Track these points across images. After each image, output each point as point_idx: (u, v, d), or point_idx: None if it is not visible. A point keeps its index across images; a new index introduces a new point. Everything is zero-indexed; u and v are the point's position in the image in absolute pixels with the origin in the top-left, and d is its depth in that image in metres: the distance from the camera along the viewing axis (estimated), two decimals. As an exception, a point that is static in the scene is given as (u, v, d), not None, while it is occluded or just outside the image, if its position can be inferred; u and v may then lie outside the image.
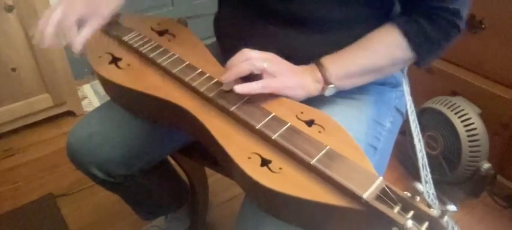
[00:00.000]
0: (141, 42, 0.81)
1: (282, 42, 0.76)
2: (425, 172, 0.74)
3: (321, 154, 0.56)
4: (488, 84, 1.35)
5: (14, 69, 1.56)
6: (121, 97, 0.81)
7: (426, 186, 0.72)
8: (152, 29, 0.86)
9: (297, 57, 0.72)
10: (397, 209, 0.49)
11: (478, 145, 1.31)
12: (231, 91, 0.66)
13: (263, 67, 0.66)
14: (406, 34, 0.71)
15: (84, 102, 1.92)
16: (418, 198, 0.49)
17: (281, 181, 0.55)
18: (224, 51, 0.86)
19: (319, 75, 0.70)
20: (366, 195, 0.50)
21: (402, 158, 1.56)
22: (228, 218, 1.38)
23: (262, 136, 0.61)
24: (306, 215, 0.56)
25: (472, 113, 1.32)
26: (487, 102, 1.34)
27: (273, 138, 0.59)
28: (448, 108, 1.35)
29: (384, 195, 0.51)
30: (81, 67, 2.02)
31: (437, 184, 0.83)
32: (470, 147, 1.31)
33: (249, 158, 0.58)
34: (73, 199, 1.45)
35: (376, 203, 0.49)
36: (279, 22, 0.75)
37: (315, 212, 0.55)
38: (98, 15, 0.74)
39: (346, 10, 0.73)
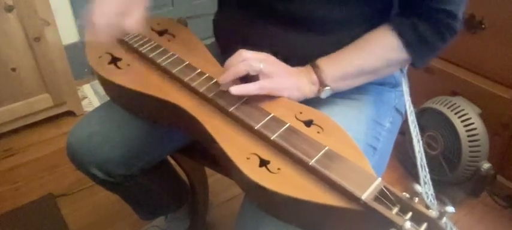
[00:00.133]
0: (140, 42, 0.81)
1: (281, 42, 0.76)
2: (424, 172, 0.74)
3: (319, 154, 0.56)
4: (488, 84, 1.35)
5: (14, 69, 1.57)
6: (121, 97, 0.82)
7: (425, 187, 0.72)
8: (152, 29, 0.86)
9: (296, 57, 0.72)
10: (395, 210, 0.49)
11: (478, 145, 1.31)
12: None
13: (259, 68, 0.67)
14: (402, 35, 0.71)
15: (84, 102, 1.92)
16: (416, 199, 0.49)
17: (279, 181, 0.55)
18: (224, 51, 0.86)
19: (314, 77, 0.71)
20: (364, 196, 0.50)
21: (402, 158, 1.56)
22: (228, 218, 1.38)
23: (261, 137, 0.61)
24: (305, 215, 0.56)
25: (472, 113, 1.32)
26: (487, 102, 1.34)
27: (271, 138, 0.60)
28: (448, 108, 1.35)
29: (382, 196, 0.51)
30: (81, 67, 2.02)
31: (437, 184, 0.83)
32: (470, 147, 1.31)
33: (248, 158, 0.58)
34: (73, 199, 1.45)
35: (375, 204, 0.49)
36: (279, 22, 0.75)
37: (313, 212, 0.55)
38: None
39: (346, 10, 0.73)
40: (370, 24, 0.74)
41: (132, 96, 0.76)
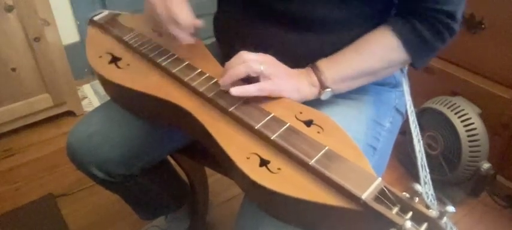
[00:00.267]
0: (141, 42, 0.81)
1: (281, 43, 0.76)
2: (424, 172, 0.74)
3: (319, 154, 0.56)
4: (488, 84, 1.35)
5: (14, 69, 1.57)
6: (121, 97, 0.82)
7: (425, 187, 0.72)
8: (152, 29, 0.86)
9: (296, 57, 0.72)
10: (395, 210, 0.49)
11: (478, 145, 1.31)
12: (230, 90, 0.67)
13: (260, 70, 0.67)
14: (401, 36, 0.71)
15: (84, 102, 1.92)
16: (416, 199, 0.49)
17: (280, 181, 0.55)
18: (224, 51, 0.86)
19: (315, 78, 0.71)
20: (364, 196, 0.50)
21: (402, 158, 1.56)
22: (228, 218, 1.38)
23: (261, 137, 0.61)
24: (305, 215, 0.56)
25: (472, 113, 1.32)
26: (487, 102, 1.34)
27: (272, 138, 0.60)
28: (448, 108, 1.35)
29: (382, 196, 0.51)
30: (81, 67, 2.02)
31: (437, 184, 0.83)
32: (470, 147, 1.31)
33: (248, 158, 0.58)
34: (73, 199, 1.45)
35: (375, 204, 0.49)
36: (279, 22, 0.75)
37: (313, 212, 0.55)
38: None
39: (346, 10, 0.73)
40: (370, 24, 0.74)
41: (132, 96, 0.76)
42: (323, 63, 0.72)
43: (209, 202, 1.30)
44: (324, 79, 0.70)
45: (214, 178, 1.32)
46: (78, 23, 1.98)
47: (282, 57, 0.71)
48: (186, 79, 0.71)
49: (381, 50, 0.73)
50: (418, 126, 0.81)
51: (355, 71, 0.72)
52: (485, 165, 1.33)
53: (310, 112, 0.65)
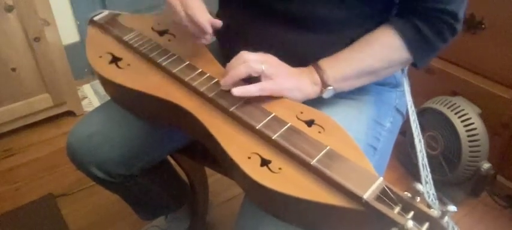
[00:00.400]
0: (141, 42, 0.81)
1: (282, 42, 0.76)
2: (425, 172, 0.74)
3: (321, 154, 0.56)
4: (488, 84, 1.35)
5: (14, 69, 1.56)
6: (121, 97, 0.81)
7: (426, 186, 0.72)
8: (153, 29, 0.86)
9: (297, 57, 0.72)
10: (397, 209, 0.49)
11: (478, 145, 1.31)
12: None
13: (261, 70, 0.67)
14: (403, 36, 0.71)
15: (84, 102, 1.92)
16: (418, 198, 0.49)
17: (281, 181, 0.55)
18: (224, 51, 0.86)
19: (317, 77, 0.71)
20: (366, 195, 0.50)
21: (402, 158, 1.56)
22: (228, 218, 1.38)
23: (262, 136, 0.61)
24: (306, 215, 0.56)
25: (472, 113, 1.32)
26: (487, 102, 1.34)
27: (273, 138, 0.59)
28: (448, 108, 1.35)
29: (384, 195, 0.51)
30: (81, 67, 2.02)
31: (437, 184, 0.83)
32: (470, 147, 1.31)
33: (249, 158, 0.58)
34: (73, 199, 1.45)
35: (376, 204, 0.49)
36: (280, 22, 0.75)
37: (314, 212, 0.55)
38: None
39: (346, 10, 0.73)
40: (371, 24, 0.74)
41: (132, 96, 0.76)
42: (325, 62, 0.72)
43: (209, 202, 1.30)
44: (326, 78, 0.70)
45: (214, 178, 1.32)
46: (78, 23, 1.98)
47: (282, 56, 0.71)
48: (186, 79, 0.71)
49: (382, 49, 0.73)
50: (419, 126, 0.81)
51: (356, 70, 0.72)
52: (486, 165, 1.33)
53: (311, 112, 0.65)
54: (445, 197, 1.42)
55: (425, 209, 0.48)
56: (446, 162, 1.39)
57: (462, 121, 1.32)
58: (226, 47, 0.87)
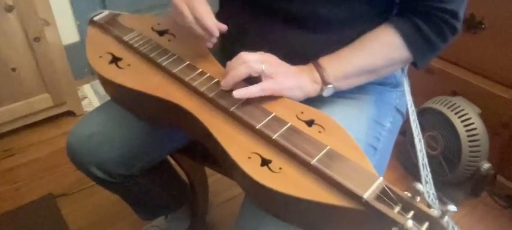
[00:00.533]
0: (141, 42, 0.81)
1: (283, 42, 0.76)
2: (425, 172, 0.74)
3: (321, 154, 0.56)
4: (488, 84, 1.35)
5: (14, 69, 1.56)
6: (121, 97, 0.81)
7: (426, 186, 0.72)
8: (153, 29, 0.86)
9: (298, 56, 0.72)
10: (397, 209, 0.49)
11: (478, 145, 1.31)
12: (232, 91, 0.67)
13: (261, 70, 0.67)
14: (403, 34, 0.71)
15: (84, 102, 1.92)
16: (418, 198, 0.49)
17: (281, 180, 0.55)
18: (224, 51, 0.86)
19: (317, 75, 0.71)
20: (366, 195, 0.50)
21: (402, 158, 1.56)
22: (228, 218, 1.38)
23: (263, 136, 0.61)
24: (306, 215, 0.56)
25: (472, 113, 1.32)
26: (487, 102, 1.34)
27: (273, 137, 0.60)
28: (448, 108, 1.35)
29: (384, 195, 0.51)
30: (81, 67, 2.02)
31: (437, 184, 0.83)
32: (470, 147, 1.31)
33: (249, 158, 0.58)
34: (73, 199, 1.45)
35: (376, 204, 0.49)
36: (280, 22, 0.75)
37: (314, 212, 0.55)
38: None
39: (347, 10, 0.73)
40: (372, 23, 0.74)
41: (132, 96, 0.76)
42: (325, 60, 0.72)
43: (209, 202, 1.30)
44: (326, 76, 0.70)
45: (214, 178, 1.32)
46: (78, 23, 1.98)
47: (283, 56, 0.71)
48: (186, 79, 0.71)
49: (382, 47, 0.73)
50: (419, 126, 0.81)
51: (356, 68, 0.72)
52: (486, 165, 1.33)
53: (311, 112, 0.65)
54: (445, 197, 1.42)
55: (425, 209, 0.48)
56: (446, 162, 1.39)
57: (462, 121, 1.32)
58: (226, 46, 0.87)
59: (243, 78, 0.67)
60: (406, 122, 0.85)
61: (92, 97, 1.99)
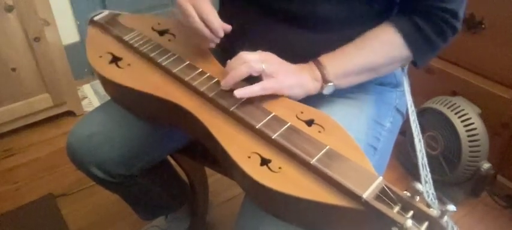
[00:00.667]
0: (141, 42, 0.81)
1: (283, 41, 0.76)
2: (425, 172, 0.74)
3: (320, 153, 0.56)
4: (488, 84, 1.35)
5: (14, 69, 1.57)
6: (121, 97, 0.82)
7: (426, 186, 0.72)
8: (153, 29, 0.86)
9: (298, 55, 0.73)
10: (396, 209, 0.49)
11: (478, 145, 1.31)
12: (232, 90, 0.67)
13: (261, 69, 0.67)
14: (404, 33, 0.72)
15: (84, 102, 1.92)
16: (417, 198, 0.49)
17: (281, 180, 0.55)
18: (224, 50, 0.86)
19: (317, 73, 0.71)
20: (365, 195, 0.50)
21: (402, 158, 1.56)
22: (228, 218, 1.38)
23: (262, 136, 0.61)
24: (306, 214, 0.56)
25: (472, 113, 1.32)
26: (487, 102, 1.34)
27: (273, 137, 0.60)
28: (448, 108, 1.35)
29: (383, 195, 0.51)
30: (81, 67, 2.02)
31: (437, 184, 0.83)
32: (470, 147, 1.31)
33: (249, 157, 0.58)
34: (73, 199, 1.45)
35: (376, 203, 0.49)
36: (280, 21, 0.75)
37: (314, 211, 0.55)
38: None
39: (347, 9, 0.73)
40: (372, 23, 0.74)
41: (132, 96, 0.76)
42: (325, 58, 0.72)
43: (209, 202, 1.30)
44: (326, 74, 0.70)
45: (214, 178, 1.32)
46: (78, 23, 1.98)
47: (283, 55, 0.71)
48: (186, 79, 0.71)
49: (383, 46, 0.73)
50: (418, 126, 0.81)
51: (357, 67, 0.73)
52: (486, 165, 1.33)
53: (311, 112, 0.65)
54: (445, 197, 1.42)
55: (424, 208, 0.48)
56: (446, 162, 1.39)
57: (462, 121, 1.32)
58: (226, 46, 0.87)
59: (243, 78, 0.67)
60: (406, 122, 0.85)
61: (92, 97, 2.00)
